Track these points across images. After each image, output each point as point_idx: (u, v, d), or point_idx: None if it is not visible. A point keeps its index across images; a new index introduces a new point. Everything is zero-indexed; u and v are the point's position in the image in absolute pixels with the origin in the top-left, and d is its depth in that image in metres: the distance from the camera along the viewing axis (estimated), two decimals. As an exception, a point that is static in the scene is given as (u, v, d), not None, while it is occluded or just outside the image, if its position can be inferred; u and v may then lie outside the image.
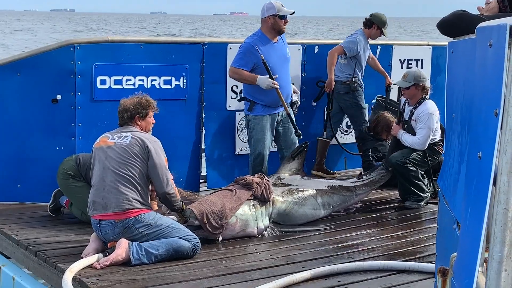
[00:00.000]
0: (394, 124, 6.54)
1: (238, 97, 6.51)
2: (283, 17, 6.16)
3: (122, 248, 4.43)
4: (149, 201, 4.76)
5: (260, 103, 6.22)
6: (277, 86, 6.05)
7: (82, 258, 4.45)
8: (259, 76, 6.05)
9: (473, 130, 1.81)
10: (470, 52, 2.17)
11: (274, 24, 6.16)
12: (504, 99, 1.47)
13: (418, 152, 6.28)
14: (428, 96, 6.42)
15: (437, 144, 6.36)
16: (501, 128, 1.48)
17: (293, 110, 6.42)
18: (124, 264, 4.42)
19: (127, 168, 4.61)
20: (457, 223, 2.38)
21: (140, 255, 4.44)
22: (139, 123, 4.88)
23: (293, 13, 6.24)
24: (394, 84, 6.94)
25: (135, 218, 4.54)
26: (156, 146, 4.73)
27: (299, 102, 6.62)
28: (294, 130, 6.32)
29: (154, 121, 5.01)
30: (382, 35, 7.38)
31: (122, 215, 4.54)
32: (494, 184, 1.50)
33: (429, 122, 6.19)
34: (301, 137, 6.41)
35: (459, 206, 2.24)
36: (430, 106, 6.26)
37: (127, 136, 4.73)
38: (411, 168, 6.23)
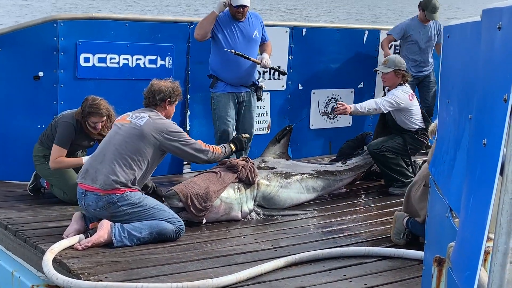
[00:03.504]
0: (339, 103, 6.25)
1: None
2: (235, 6, 6.05)
3: (104, 229, 4.35)
4: (140, 186, 4.68)
5: (222, 80, 6.17)
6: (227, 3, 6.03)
7: (63, 238, 4.37)
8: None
9: (476, 116, 1.75)
10: (471, 36, 2.10)
11: (229, 9, 6.12)
12: (515, 84, 1.40)
13: (397, 141, 6.21)
14: (406, 85, 6.34)
15: (419, 133, 6.27)
16: (510, 114, 1.42)
17: (258, 95, 6.35)
18: (106, 245, 4.34)
19: (130, 149, 4.57)
20: (450, 211, 2.33)
21: (123, 237, 4.36)
22: (167, 108, 4.88)
23: (244, 6, 6.03)
24: (375, 70, 6.88)
25: (120, 195, 4.48)
26: (168, 133, 4.68)
27: (264, 86, 6.49)
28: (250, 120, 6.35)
29: (174, 110, 5.04)
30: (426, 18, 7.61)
31: (109, 186, 4.48)
32: (501, 173, 1.44)
33: (396, 93, 6.12)
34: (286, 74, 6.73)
35: (454, 194, 2.19)
36: (402, 88, 6.20)
37: (144, 118, 4.70)
38: (389, 155, 6.18)
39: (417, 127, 6.26)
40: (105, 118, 5.20)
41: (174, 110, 5.05)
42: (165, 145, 4.70)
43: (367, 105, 6.12)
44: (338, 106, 6.18)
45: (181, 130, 4.88)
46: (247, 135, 5.71)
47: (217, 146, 5.12)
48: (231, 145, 5.31)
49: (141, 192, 4.67)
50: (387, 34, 7.78)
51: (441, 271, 2.02)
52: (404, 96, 6.13)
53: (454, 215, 2.27)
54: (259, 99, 6.39)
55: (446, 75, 2.76)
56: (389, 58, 6.36)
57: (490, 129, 1.52)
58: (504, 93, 1.42)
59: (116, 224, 4.41)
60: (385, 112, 6.19)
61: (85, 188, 4.53)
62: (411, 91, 6.29)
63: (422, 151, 6.35)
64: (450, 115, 2.55)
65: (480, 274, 1.57)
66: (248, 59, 6.07)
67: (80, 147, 5.45)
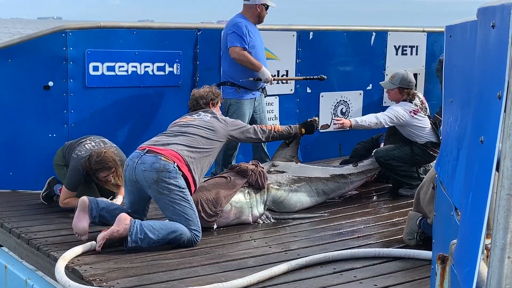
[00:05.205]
0: (337, 119, 6.18)
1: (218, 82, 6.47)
2: (267, 8, 6.23)
3: (122, 224, 4.38)
4: (196, 182, 4.80)
5: (243, 86, 6.21)
6: (273, 83, 6.32)
7: (75, 235, 4.49)
8: (263, 66, 6.15)
9: (474, 114, 1.77)
10: (470, 34, 2.12)
11: (261, 13, 6.23)
12: (508, 81, 1.42)
13: (404, 151, 6.18)
14: (416, 99, 6.19)
15: (428, 146, 6.17)
16: (504, 111, 1.43)
17: (264, 94, 6.52)
18: (118, 252, 4.37)
19: (200, 140, 4.85)
20: (455, 210, 2.35)
21: (138, 238, 4.39)
22: (213, 110, 5.32)
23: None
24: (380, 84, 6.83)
25: (177, 169, 4.56)
26: (231, 123, 5.17)
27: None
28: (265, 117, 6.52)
29: (220, 112, 5.43)
30: None
31: (173, 156, 4.59)
32: (497, 169, 1.46)
33: (395, 108, 6.08)
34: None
35: (458, 192, 2.21)
36: (403, 104, 6.12)
37: (207, 115, 5.15)
38: (394, 163, 6.16)
39: (426, 140, 6.18)
40: (113, 169, 5.16)
41: (220, 112, 5.42)
42: (232, 134, 5.13)
43: (367, 119, 6.06)
44: (336, 121, 6.14)
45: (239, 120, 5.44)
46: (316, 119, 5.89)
47: (278, 126, 5.54)
48: (302, 128, 5.64)
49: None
50: None
51: (444, 268, 2.03)
52: (404, 112, 6.06)
53: (459, 213, 2.28)
54: (265, 96, 6.57)
55: (449, 75, 2.77)
56: (397, 74, 6.23)
57: (487, 126, 1.54)
58: (498, 90, 1.44)
59: (136, 221, 4.44)
60: (386, 126, 6.15)
61: (149, 148, 4.65)
62: (415, 107, 6.13)
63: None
64: (453, 114, 2.56)
65: (481, 270, 1.59)
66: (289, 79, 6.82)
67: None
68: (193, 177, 4.72)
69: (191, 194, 4.70)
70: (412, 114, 6.10)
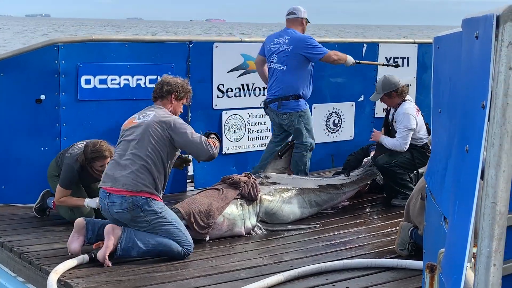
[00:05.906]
0: (374, 130, 6.53)
1: (272, 97, 6.49)
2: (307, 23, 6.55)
3: (112, 235, 4.40)
4: (161, 190, 4.69)
5: (305, 98, 6.45)
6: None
7: (68, 246, 4.49)
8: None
9: (460, 123, 1.79)
10: (456, 45, 2.15)
11: (305, 26, 6.49)
12: (491, 91, 1.44)
13: (406, 156, 6.22)
14: (408, 97, 6.37)
15: (425, 147, 6.26)
16: (488, 120, 1.46)
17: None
18: (109, 265, 4.36)
19: (145, 150, 4.57)
20: (444, 219, 2.36)
21: (128, 247, 4.42)
22: (172, 102, 4.92)
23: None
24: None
25: (146, 199, 4.50)
26: (175, 124, 4.68)
27: None
28: None
29: (182, 111, 5.04)
30: None
31: (134, 192, 4.50)
32: (482, 177, 1.47)
33: (405, 121, 6.14)
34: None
35: (446, 201, 2.22)
36: (406, 107, 6.22)
37: (150, 115, 4.74)
38: (398, 171, 6.20)
39: (423, 142, 6.27)
40: (109, 159, 5.17)
41: (181, 111, 5.06)
42: (174, 138, 4.65)
43: (392, 144, 6.20)
44: (373, 134, 6.43)
45: (187, 124, 4.88)
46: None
47: (213, 141, 4.92)
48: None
49: (163, 203, 4.69)
50: None
51: (433, 277, 2.05)
52: (412, 117, 6.15)
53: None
54: None
55: (437, 85, 2.80)
56: (377, 84, 6.44)
57: (471, 136, 1.56)
58: (482, 100, 1.46)
59: (127, 229, 4.45)
60: (408, 142, 6.17)
61: (109, 190, 4.56)
62: (415, 106, 6.30)
63: None
64: (441, 125, 2.58)
65: (468, 277, 1.60)
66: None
67: (91, 181, 5.50)
68: (159, 191, 4.64)
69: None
70: (417, 114, 6.23)
